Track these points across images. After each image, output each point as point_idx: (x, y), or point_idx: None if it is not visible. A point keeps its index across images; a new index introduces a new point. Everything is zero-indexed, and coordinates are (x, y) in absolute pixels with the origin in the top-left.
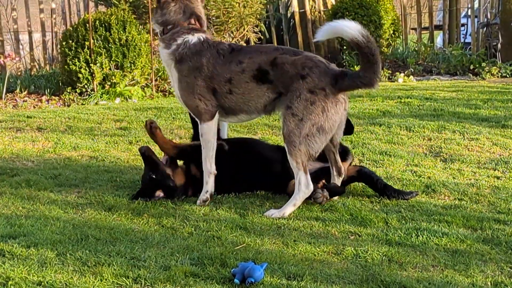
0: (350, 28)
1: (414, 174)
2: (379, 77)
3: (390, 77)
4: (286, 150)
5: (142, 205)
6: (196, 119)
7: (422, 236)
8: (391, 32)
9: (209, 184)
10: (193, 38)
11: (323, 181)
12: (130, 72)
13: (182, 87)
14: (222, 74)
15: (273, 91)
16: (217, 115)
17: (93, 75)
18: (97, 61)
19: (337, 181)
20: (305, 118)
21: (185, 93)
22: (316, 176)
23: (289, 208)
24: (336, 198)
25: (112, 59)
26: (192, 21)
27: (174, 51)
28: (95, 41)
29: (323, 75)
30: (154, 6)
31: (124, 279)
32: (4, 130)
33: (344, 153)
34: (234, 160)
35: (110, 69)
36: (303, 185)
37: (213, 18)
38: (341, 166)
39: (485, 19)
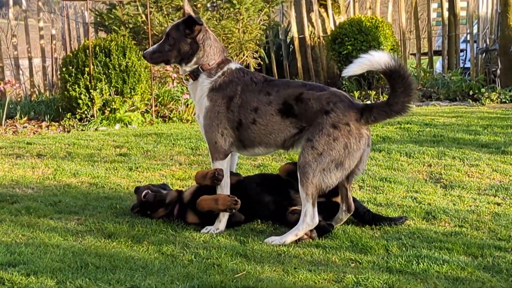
0: (380, 56)
1: (414, 200)
2: (413, 101)
3: None
4: (299, 180)
5: (142, 232)
6: (210, 154)
7: (423, 264)
8: None
9: (222, 223)
10: (234, 65)
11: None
12: (130, 98)
13: (209, 117)
14: (250, 103)
15: (295, 126)
16: (229, 156)
17: (93, 101)
18: (97, 87)
19: (344, 217)
20: (324, 153)
21: (210, 124)
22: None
23: (290, 237)
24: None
25: (112, 85)
26: (225, 53)
27: (217, 78)
28: (95, 67)
29: (348, 109)
30: (187, 49)
31: None
32: (4, 157)
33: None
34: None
35: (110, 95)
36: (309, 217)
37: None
38: (352, 203)
39: (484, 45)
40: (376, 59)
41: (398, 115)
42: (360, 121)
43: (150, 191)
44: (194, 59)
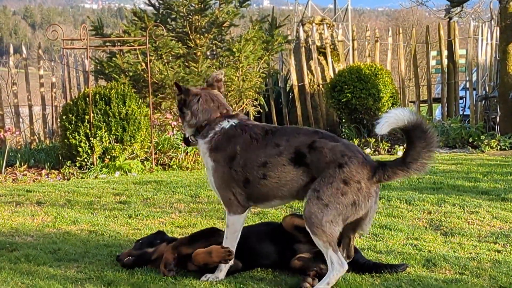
0: (403, 113)
1: (415, 247)
2: (431, 159)
3: (389, 150)
4: (310, 231)
5: (142, 280)
6: (225, 209)
7: None
8: (390, 105)
9: (222, 272)
10: (227, 124)
11: (316, 269)
12: (129, 146)
13: (217, 176)
14: (256, 159)
15: (307, 175)
16: (247, 210)
17: (93, 148)
18: (97, 135)
19: None
20: (331, 205)
21: (219, 182)
22: (312, 261)
23: (322, 287)
24: None
25: (112, 132)
26: (223, 110)
27: (211, 138)
28: (95, 114)
29: (361, 167)
30: (180, 114)
31: None
32: (4, 204)
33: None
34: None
35: (109, 142)
36: (336, 264)
37: None
38: (352, 253)
39: (484, 92)
40: (399, 116)
41: (416, 173)
42: (371, 180)
43: (130, 257)
44: (185, 123)
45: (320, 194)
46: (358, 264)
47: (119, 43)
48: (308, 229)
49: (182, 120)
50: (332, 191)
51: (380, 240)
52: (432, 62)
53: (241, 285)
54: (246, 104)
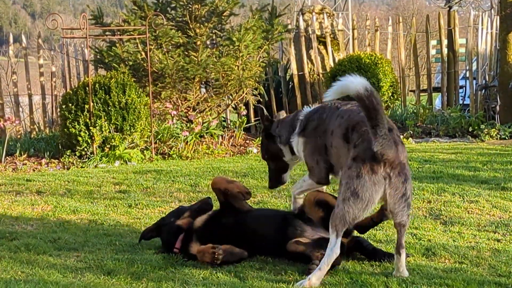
0: (353, 82)
1: (414, 237)
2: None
3: None
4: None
5: (142, 269)
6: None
7: None
8: (390, 94)
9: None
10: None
11: (323, 251)
12: (129, 135)
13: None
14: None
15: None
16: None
17: (93, 138)
18: (96, 124)
19: None
20: (343, 184)
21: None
22: (316, 246)
23: (317, 274)
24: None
25: (112, 122)
26: None
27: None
28: (95, 104)
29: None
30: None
31: None
32: (4, 194)
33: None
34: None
35: (109, 132)
36: (329, 248)
37: (212, 81)
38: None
39: (484, 81)
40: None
41: None
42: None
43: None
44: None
45: (341, 176)
46: (361, 246)
47: (118, 32)
48: None
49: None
50: (345, 170)
51: (380, 230)
52: (432, 51)
53: (241, 275)
54: (246, 93)
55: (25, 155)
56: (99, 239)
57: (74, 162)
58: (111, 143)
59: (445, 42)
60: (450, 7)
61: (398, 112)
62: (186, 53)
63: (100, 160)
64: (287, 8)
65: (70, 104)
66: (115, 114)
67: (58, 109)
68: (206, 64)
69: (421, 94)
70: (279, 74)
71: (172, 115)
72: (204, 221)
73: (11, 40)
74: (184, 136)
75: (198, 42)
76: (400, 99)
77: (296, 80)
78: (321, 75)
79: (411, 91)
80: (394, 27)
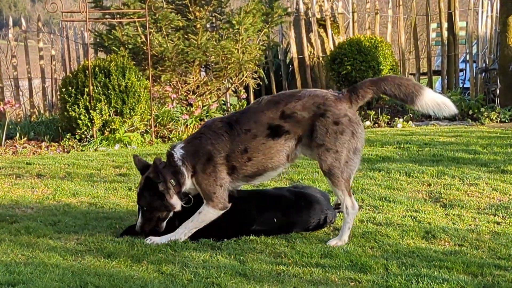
0: None
1: (414, 219)
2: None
3: (389, 122)
4: (329, 183)
5: (141, 251)
6: (206, 200)
7: (423, 283)
8: None
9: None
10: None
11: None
12: (129, 118)
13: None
14: (235, 149)
15: (291, 139)
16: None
17: (93, 121)
18: (96, 108)
19: None
20: (340, 149)
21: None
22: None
23: (346, 233)
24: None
25: (112, 105)
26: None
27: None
28: (95, 87)
29: (339, 103)
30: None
31: None
32: (4, 177)
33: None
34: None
35: (109, 115)
36: (350, 207)
37: (212, 64)
38: None
39: (484, 65)
40: None
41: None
42: (352, 107)
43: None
44: None
45: (327, 145)
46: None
47: (118, 16)
48: (328, 180)
49: None
50: (333, 137)
51: (380, 212)
52: (432, 35)
53: (241, 257)
54: (246, 77)
55: (25, 138)
56: (99, 222)
57: (74, 145)
58: (111, 127)
59: (445, 25)
60: None
61: None
62: (186, 36)
63: (100, 144)
64: None
65: (70, 88)
66: (115, 98)
67: (58, 93)
68: (206, 48)
69: (421, 77)
70: (279, 57)
71: (172, 99)
72: None
73: (10, 23)
74: (184, 119)
75: (198, 25)
76: None
77: (296, 63)
78: (321, 58)
79: (411, 74)
80: (394, 10)
